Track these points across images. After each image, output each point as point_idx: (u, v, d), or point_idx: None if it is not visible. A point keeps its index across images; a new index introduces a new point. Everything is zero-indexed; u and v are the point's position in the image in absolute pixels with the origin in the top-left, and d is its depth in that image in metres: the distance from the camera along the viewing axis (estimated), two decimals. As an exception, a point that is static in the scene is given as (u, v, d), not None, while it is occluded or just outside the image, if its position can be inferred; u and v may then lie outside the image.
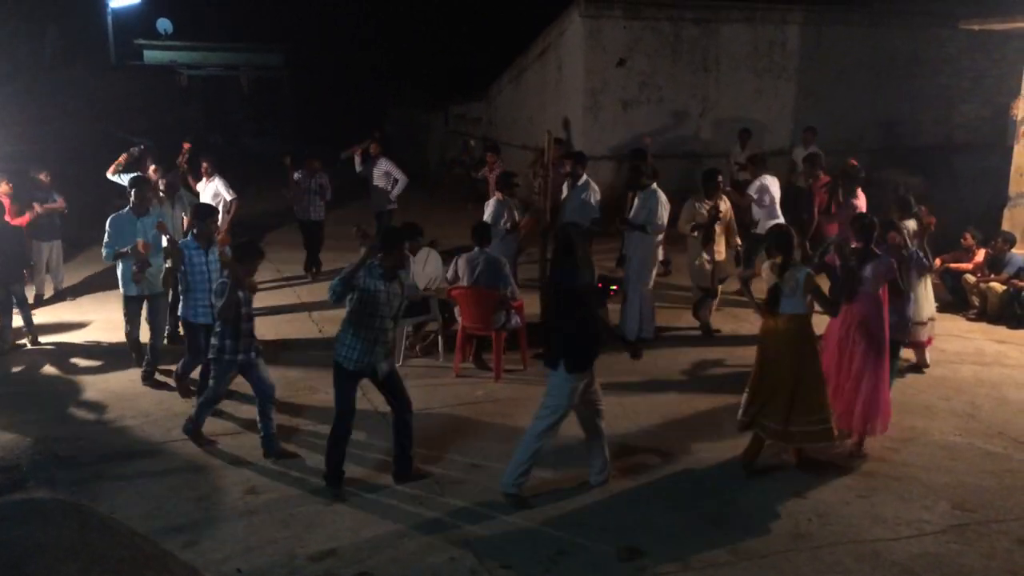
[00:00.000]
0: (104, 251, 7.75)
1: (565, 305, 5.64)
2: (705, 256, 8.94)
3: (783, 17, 15.10)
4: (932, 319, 8.13)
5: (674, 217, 9.09)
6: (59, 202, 10.27)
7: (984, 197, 12.62)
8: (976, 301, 9.99)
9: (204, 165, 10.42)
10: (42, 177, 10.30)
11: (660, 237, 8.99)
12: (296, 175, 11.54)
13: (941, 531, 5.36)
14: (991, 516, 5.54)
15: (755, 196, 9.88)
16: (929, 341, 8.15)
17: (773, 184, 9.93)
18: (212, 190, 10.28)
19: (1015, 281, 9.67)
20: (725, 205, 9.04)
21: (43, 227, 10.17)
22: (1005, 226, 10.79)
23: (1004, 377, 8.07)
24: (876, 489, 5.87)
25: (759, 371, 6.10)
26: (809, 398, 5.92)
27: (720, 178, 9.11)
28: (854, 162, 10.55)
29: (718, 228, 8.94)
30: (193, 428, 6.51)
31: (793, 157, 13.98)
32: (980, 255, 10.12)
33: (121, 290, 7.95)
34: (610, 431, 6.11)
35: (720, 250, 9.03)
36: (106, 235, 7.73)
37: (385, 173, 11.87)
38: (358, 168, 11.98)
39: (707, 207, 8.89)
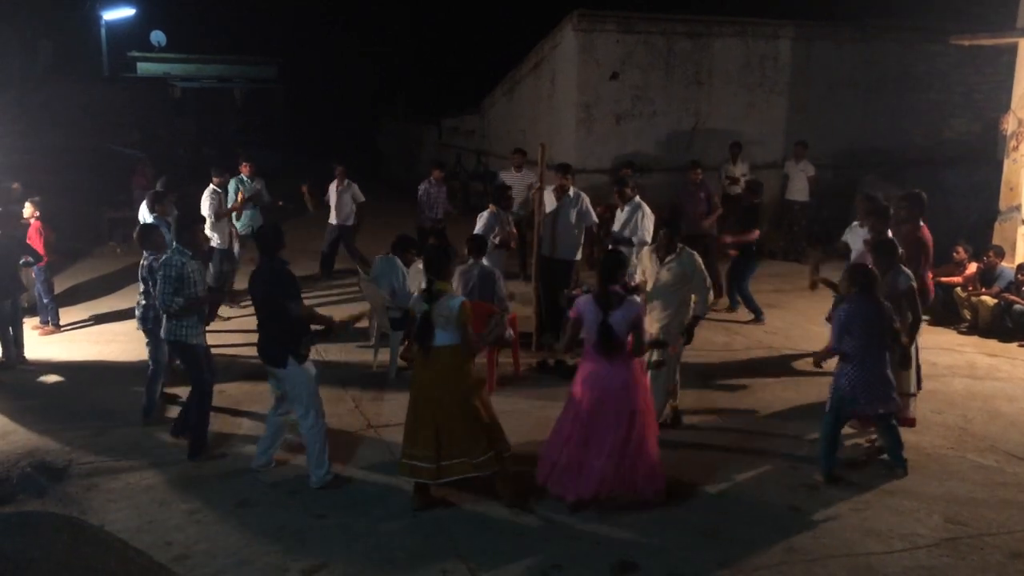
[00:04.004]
0: None
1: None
2: None
3: (775, 32, 15.19)
4: (906, 394, 6.65)
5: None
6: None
7: (975, 211, 12.68)
8: (967, 314, 10.04)
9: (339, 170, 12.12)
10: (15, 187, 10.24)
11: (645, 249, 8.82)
12: (427, 187, 11.98)
13: (934, 544, 5.37)
14: (984, 529, 5.55)
15: None
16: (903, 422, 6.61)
17: None
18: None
19: (1006, 295, 9.72)
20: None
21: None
22: (995, 240, 10.86)
23: (996, 390, 8.09)
24: (869, 503, 5.88)
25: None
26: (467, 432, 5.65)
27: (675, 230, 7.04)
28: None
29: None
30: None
31: (785, 171, 14.07)
32: (971, 268, 10.17)
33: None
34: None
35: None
36: None
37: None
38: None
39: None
